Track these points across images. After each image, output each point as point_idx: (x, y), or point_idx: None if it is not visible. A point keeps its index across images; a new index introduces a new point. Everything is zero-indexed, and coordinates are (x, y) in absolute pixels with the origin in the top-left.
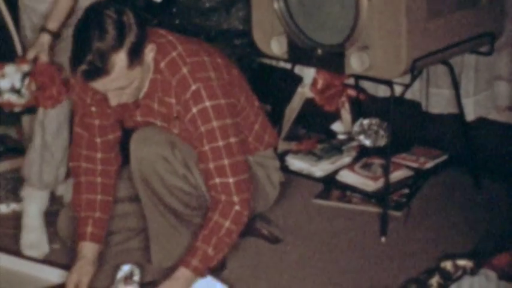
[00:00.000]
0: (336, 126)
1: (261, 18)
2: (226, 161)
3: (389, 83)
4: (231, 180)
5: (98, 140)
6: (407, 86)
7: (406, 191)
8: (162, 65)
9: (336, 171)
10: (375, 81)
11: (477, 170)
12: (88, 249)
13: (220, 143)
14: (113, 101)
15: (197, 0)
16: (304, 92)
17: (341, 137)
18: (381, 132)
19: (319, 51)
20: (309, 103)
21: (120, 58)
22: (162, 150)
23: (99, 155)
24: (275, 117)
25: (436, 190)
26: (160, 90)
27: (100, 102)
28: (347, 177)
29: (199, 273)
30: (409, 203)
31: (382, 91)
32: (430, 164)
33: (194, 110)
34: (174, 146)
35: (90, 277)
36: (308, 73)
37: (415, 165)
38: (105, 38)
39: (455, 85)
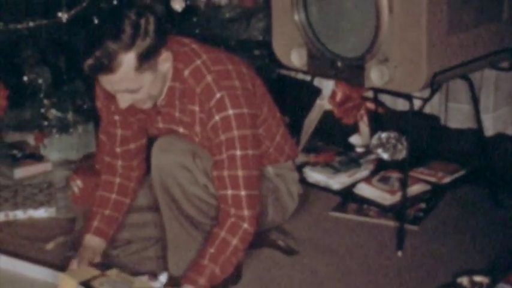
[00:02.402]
0: (354, 139)
1: (281, 30)
2: (240, 172)
3: (408, 97)
4: (242, 193)
5: (118, 149)
6: (426, 100)
7: (423, 205)
8: (186, 73)
9: (353, 184)
10: (394, 94)
11: (495, 186)
12: (89, 241)
13: (238, 153)
14: (122, 103)
15: (217, 10)
16: (322, 104)
17: (359, 150)
18: (399, 145)
19: (339, 64)
20: (327, 115)
21: (128, 58)
22: (183, 159)
23: (119, 163)
24: (293, 129)
25: (453, 205)
26: (181, 98)
27: (123, 111)
28: (364, 190)
29: None
30: (426, 217)
31: (400, 105)
32: (447, 179)
33: (217, 117)
34: (196, 155)
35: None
36: (327, 85)
37: (432, 179)
38: (117, 36)
39: (475, 100)
